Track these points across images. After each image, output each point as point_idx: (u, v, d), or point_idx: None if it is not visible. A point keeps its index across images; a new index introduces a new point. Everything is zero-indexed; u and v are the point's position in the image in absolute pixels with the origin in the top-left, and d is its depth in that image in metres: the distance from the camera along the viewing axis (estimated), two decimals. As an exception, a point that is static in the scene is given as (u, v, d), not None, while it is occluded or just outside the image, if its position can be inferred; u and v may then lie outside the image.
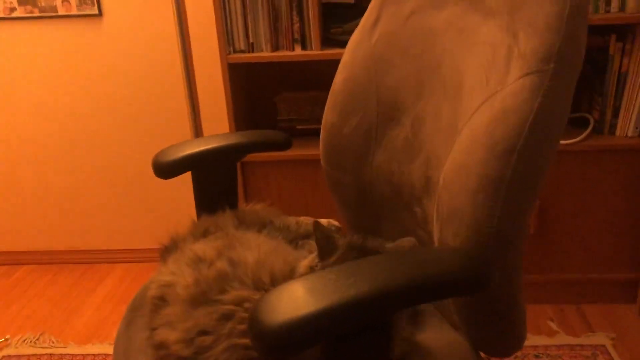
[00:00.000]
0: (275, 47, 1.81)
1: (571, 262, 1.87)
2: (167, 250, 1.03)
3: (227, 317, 0.81)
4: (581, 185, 1.79)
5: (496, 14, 0.83)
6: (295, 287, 0.63)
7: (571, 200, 1.80)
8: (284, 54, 1.79)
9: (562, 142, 1.74)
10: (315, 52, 1.78)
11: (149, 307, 0.92)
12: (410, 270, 0.65)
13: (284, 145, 1.23)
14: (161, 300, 0.89)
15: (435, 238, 0.86)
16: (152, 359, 0.89)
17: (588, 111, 1.87)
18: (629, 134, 1.76)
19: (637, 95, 1.72)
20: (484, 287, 0.68)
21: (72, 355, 1.82)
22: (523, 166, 0.73)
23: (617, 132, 1.78)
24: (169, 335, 0.83)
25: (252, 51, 1.80)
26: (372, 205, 1.11)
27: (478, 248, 0.75)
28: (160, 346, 0.85)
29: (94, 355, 1.81)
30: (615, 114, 1.77)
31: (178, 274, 0.89)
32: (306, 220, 1.22)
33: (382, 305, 0.63)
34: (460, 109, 0.86)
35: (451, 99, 0.90)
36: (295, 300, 0.61)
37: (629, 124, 1.76)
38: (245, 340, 0.77)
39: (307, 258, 0.85)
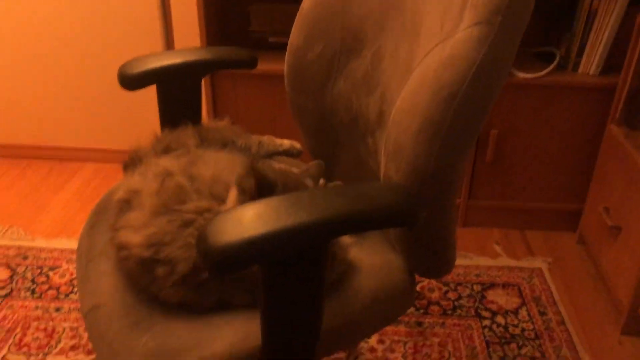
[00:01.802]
0: (251, -44, 1.77)
1: (522, 190, 1.98)
2: (131, 163, 1.08)
3: (186, 224, 0.87)
4: (540, 118, 1.86)
5: (458, -42, 0.84)
6: (241, 213, 0.69)
7: (528, 132, 1.88)
8: (259, -36, 1.76)
9: (526, 75, 1.79)
10: (291, -36, 1.75)
11: (115, 209, 0.98)
12: (347, 203, 0.72)
13: (250, 64, 1.24)
14: (127, 204, 0.95)
15: (382, 171, 0.92)
16: (114, 259, 0.97)
17: (556, 46, 1.90)
18: (591, 72, 1.81)
19: (603, 35, 1.75)
20: (412, 223, 0.75)
21: (40, 248, 1.90)
22: (463, 111, 0.78)
23: (580, 70, 1.83)
24: (132, 238, 0.89)
25: (227, -42, 1.77)
26: (331, 132, 1.16)
27: (415, 184, 0.81)
28: (122, 247, 0.91)
29: (61, 249, 1.89)
30: (581, 52, 1.81)
31: (144, 183, 0.95)
32: (268, 140, 1.27)
33: (318, 233, 0.70)
34: (416, 49, 0.90)
35: (409, 38, 0.93)
36: (240, 224, 0.68)
37: (592, 62, 1.80)
38: None
39: (233, 192, 0.89)
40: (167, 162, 0.99)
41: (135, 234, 0.89)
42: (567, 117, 1.85)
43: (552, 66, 1.82)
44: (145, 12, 2.12)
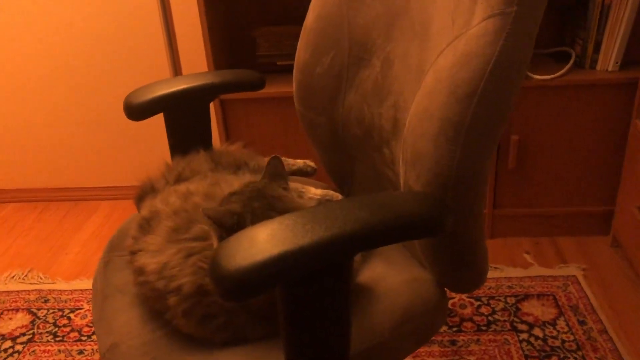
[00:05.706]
0: (253, -20, 1.76)
1: (548, 195, 1.91)
2: (144, 194, 1.05)
3: (190, 253, 0.86)
4: (560, 120, 1.80)
5: (464, -48, 0.80)
6: (253, 233, 0.65)
7: (550, 135, 1.82)
8: (261, -12, 1.74)
9: (543, 77, 1.74)
10: (293, -15, 1.74)
11: (136, 227, 0.96)
12: (367, 214, 0.67)
13: (258, 86, 1.21)
14: (147, 224, 0.93)
15: (401, 180, 0.87)
16: (130, 293, 0.95)
17: (571, 45, 1.85)
18: (609, 69, 1.76)
19: (619, 30, 1.70)
20: (439, 231, 0.69)
21: (61, 290, 1.86)
22: (483, 110, 0.73)
23: (598, 67, 1.77)
24: (148, 263, 0.88)
25: (229, -16, 1.76)
26: (345, 146, 1.12)
27: (437, 191, 0.76)
28: (140, 272, 0.90)
29: (81, 290, 1.86)
30: (597, 49, 1.75)
31: (167, 204, 0.94)
32: (281, 161, 1.23)
33: (337, 250, 0.65)
34: (427, 51, 0.86)
35: (419, 41, 0.89)
36: (254, 245, 0.63)
37: (610, 58, 1.75)
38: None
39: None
40: (191, 184, 0.99)
41: (151, 260, 0.88)
42: (589, 117, 1.78)
43: (568, 65, 1.76)
44: (151, 44, 2.11)
